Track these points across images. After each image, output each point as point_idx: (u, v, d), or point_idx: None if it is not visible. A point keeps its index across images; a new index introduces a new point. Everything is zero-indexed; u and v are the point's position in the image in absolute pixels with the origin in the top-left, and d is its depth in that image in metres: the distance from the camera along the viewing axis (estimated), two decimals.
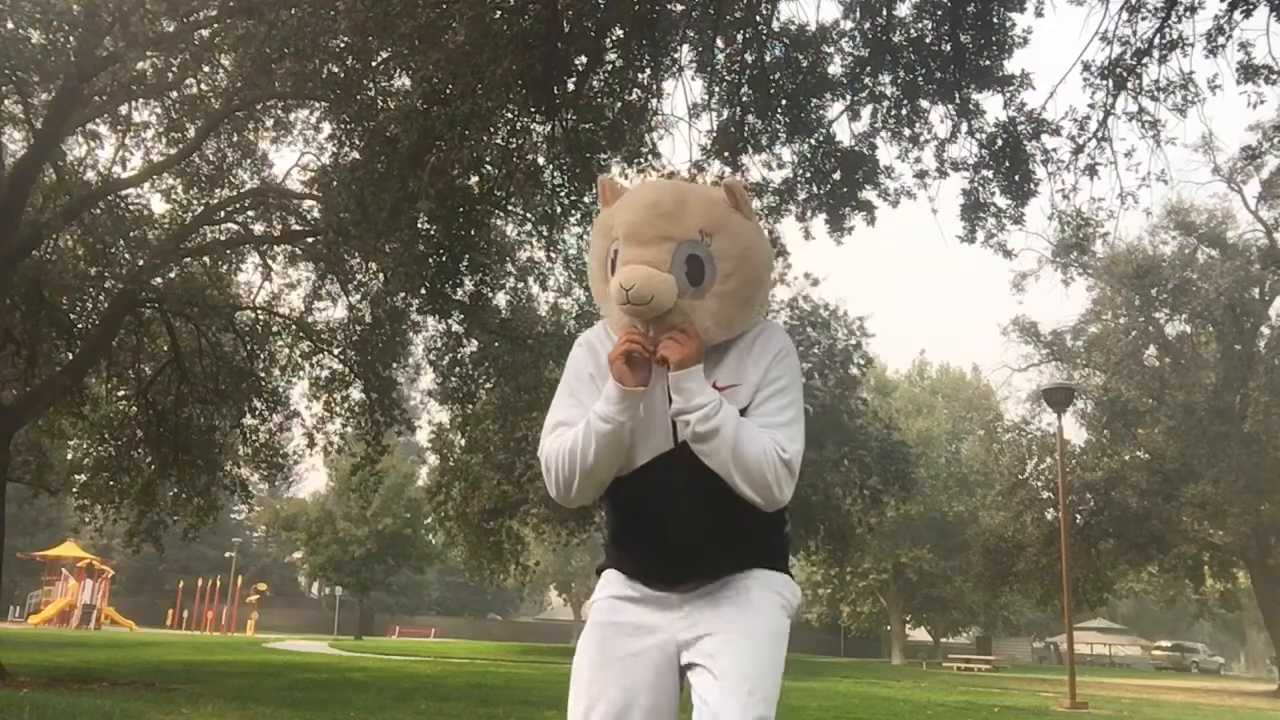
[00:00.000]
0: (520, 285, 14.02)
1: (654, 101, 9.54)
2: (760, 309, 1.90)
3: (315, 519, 42.75)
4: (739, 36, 9.26)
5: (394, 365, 14.76)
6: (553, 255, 13.00)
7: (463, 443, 20.50)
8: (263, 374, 15.04)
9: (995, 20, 8.72)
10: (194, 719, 7.10)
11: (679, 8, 8.98)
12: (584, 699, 1.84)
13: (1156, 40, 8.40)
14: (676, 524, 1.84)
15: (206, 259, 14.25)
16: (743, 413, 1.81)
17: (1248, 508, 24.94)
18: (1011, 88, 8.84)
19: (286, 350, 15.27)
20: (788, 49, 9.31)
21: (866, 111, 9.35)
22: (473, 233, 9.68)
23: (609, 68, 9.19)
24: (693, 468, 1.78)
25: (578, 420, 1.83)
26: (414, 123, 7.61)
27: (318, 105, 11.37)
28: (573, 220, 11.00)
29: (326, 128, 11.18)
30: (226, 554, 48.54)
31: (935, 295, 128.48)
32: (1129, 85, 8.68)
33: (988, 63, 8.81)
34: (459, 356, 13.92)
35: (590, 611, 1.95)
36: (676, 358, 1.75)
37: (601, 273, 1.88)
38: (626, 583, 1.92)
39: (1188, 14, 8.19)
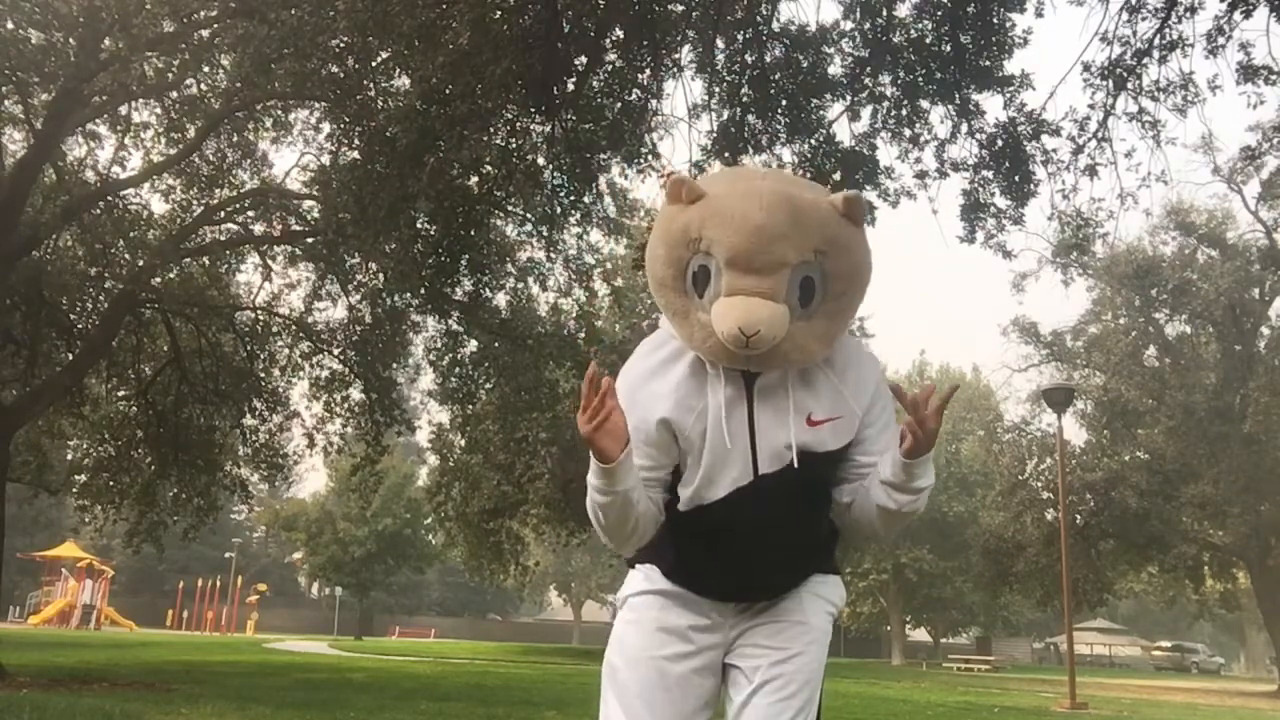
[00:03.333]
0: (520, 285, 14.03)
1: (654, 101, 9.54)
2: None
3: (315, 519, 42.74)
4: (739, 36, 9.25)
5: (394, 365, 14.77)
6: (553, 255, 13.03)
7: (463, 443, 20.48)
8: (263, 374, 15.03)
9: (995, 20, 8.72)
10: (194, 719, 7.10)
11: (679, 8, 8.98)
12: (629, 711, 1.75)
13: (1156, 40, 8.40)
14: (754, 557, 1.75)
15: (206, 259, 14.25)
16: (850, 446, 1.75)
17: (1248, 508, 24.95)
18: (1011, 88, 8.83)
19: (286, 350, 15.27)
20: (788, 49, 9.30)
21: (866, 112, 9.35)
22: (472, 233, 9.69)
23: (609, 68, 9.19)
24: (772, 500, 1.71)
25: None
26: (413, 123, 7.61)
27: (318, 105, 11.39)
28: (573, 220, 11.01)
29: (326, 128, 11.21)
30: (226, 554, 48.52)
31: (935, 295, 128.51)
32: (1129, 85, 8.68)
33: (988, 63, 8.81)
34: (459, 356, 13.94)
35: (626, 606, 1.85)
36: (918, 448, 1.63)
37: (679, 284, 1.68)
38: (672, 583, 1.82)
39: (1188, 14, 8.20)
